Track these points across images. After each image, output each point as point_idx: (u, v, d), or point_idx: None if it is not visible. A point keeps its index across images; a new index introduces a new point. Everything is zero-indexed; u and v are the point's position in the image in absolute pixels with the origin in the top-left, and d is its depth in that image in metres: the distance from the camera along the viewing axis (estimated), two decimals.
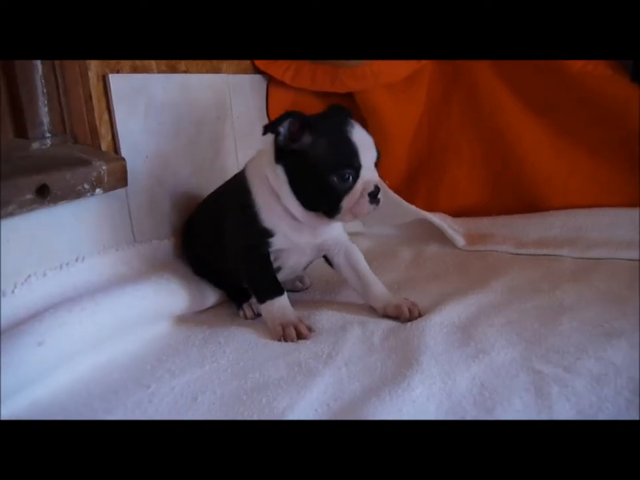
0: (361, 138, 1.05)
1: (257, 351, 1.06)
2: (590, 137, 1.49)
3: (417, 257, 1.54)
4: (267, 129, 1.06)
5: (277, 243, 1.13)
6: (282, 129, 1.05)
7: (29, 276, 0.98)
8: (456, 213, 1.70)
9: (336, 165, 1.03)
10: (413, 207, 1.61)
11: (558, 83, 1.48)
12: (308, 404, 0.86)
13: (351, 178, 1.04)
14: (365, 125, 1.62)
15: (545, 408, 0.81)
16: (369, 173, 1.06)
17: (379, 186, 1.06)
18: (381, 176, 1.65)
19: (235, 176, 1.22)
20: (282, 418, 0.82)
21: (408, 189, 1.75)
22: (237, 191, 1.17)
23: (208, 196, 1.33)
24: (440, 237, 1.60)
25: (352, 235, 1.69)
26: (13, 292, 0.95)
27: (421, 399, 0.85)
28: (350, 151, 1.03)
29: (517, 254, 1.48)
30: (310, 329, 1.11)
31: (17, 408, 0.85)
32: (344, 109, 1.17)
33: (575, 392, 0.83)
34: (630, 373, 0.88)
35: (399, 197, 1.63)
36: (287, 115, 1.05)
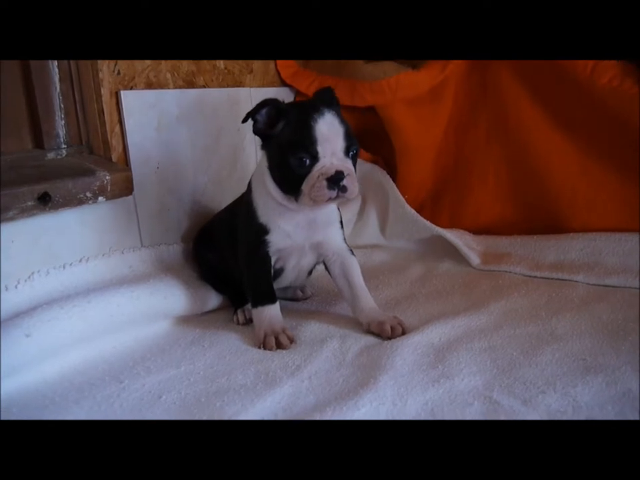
0: (325, 126, 1.06)
1: (235, 357, 1.10)
2: (616, 156, 1.40)
3: (427, 274, 1.51)
4: (247, 117, 1.11)
5: (274, 240, 1.17)
6: (259, 117, 1.11)
7: (32, 273, 1.10)
8: (479, 230, 1.65)
9: (294, 149, 1.06)
10: (428, 223, 1.58)
11: (584, 99, 1.41)
12: (257, 412, 0.90)
13: (307, 162, 1.06)
14: (386, 138, 1.65)
15: None
16: (331, 160, 1.06)
17: (344, 173, 1.05)
18: (401, 190, 1.67)
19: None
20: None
21: (433, 204, 1.73)
22: (245, 194, 1.24)
23: (227, 205, 1.41)
24: (457, 254, 1.56)
25: (371, 247, 1.73)
26: (16, 287, 1.07)
27: (363, 418, 0.86)
28: (308, 138, 1.05)
29: (531, 276, 1.42)
30: (291, 340, 1.14)
31: (3, 391, 0.95)
32: (327, 90, 1.20)
33: None
34: (592, 412, 0.83)
35: (415, 212, 1.61)
36: (264, 102, 1.10)
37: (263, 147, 1.15)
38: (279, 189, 1.12)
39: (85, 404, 0.94)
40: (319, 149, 1.05)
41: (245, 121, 1.12)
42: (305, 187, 1.06)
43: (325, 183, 1.05)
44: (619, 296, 1.24)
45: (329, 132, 1.06)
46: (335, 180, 1.05)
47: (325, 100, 1.14)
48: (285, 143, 1.08)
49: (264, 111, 1.10)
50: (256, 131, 1.13)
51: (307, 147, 1.05)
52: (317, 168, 1.06)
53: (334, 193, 1.06)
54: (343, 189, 1.06)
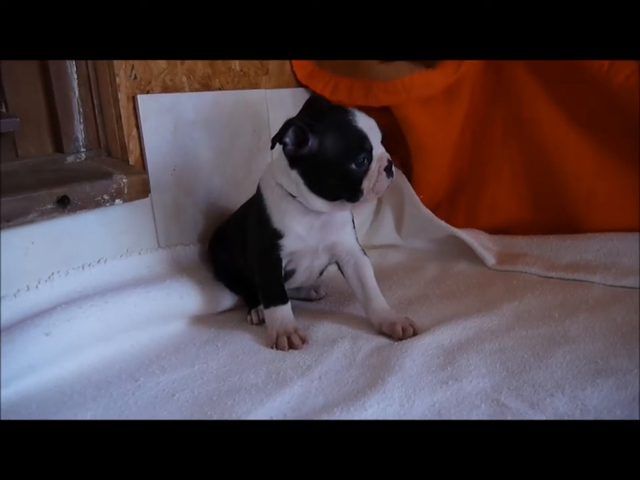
0: (366, 123, 1.10)
1: (247, 356, 1.12)
2: (633, 155, 1.38)
3: (442, 274, 1.51)
4: (274, 142, 1.10)
5: (287, 244, 1.18)
6: (288, 139, 1.09)
7: (52, 274, 1.13)
8: (495, 230, 1.64)
9: (350, 154, 1.08)
10: (444, 223, 1.58)
11: (601, 96, 1.39)
12: (266, 411, 0.91)
13: (366, 160, 1.09)
14: (401, 138, 1.65)
15: None
16: (379, 151, 1.11)
17: (390, 159, 1.11)
18: (416, 190, 1.67)
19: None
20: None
21: (449, 204, 1.73)
22: (254, 201, 1.26)
23: (239, 207, 1.43)
24: (472, 254, 1.56)
25: (386, 247, 1.74)
26: (36, 287, 1.11)
27: (370, 419, 0.87)
28: (359, 137, 1.09)
29: (547, 277, 1.40)
30: (303, 340, 1.15)
31: (23, 388, 0.99)
32: (317, 97, 1.29)
33: None
34: (600, 416, 0.83)
35: (430, 212, 1.61)
36: (288, 123, 1.08)
37: (294, 166, 1.12)
38: (323, 199, 1.13)
39: (102, 401, 0.97)
40: (372, 144, 1.10)
41: (273, 146, 1.11)
42: (367, 184, 1.10)
43: (384, 173, 1.10)
44: (635, 297, 1.22)
45: (371, 127, 1.11)
46: (389, 168, 1.11)
47: (326, 104, 1.21)
48: (335, 155, 1.08)
49: (290, 132, 1.08)
50: (286, 153, 1.12)
51: (363, 147, 1.09)
52: (374, 162, 1.10)
53: (390, 180, 1.12)
54: (392, 174, 1.12)
